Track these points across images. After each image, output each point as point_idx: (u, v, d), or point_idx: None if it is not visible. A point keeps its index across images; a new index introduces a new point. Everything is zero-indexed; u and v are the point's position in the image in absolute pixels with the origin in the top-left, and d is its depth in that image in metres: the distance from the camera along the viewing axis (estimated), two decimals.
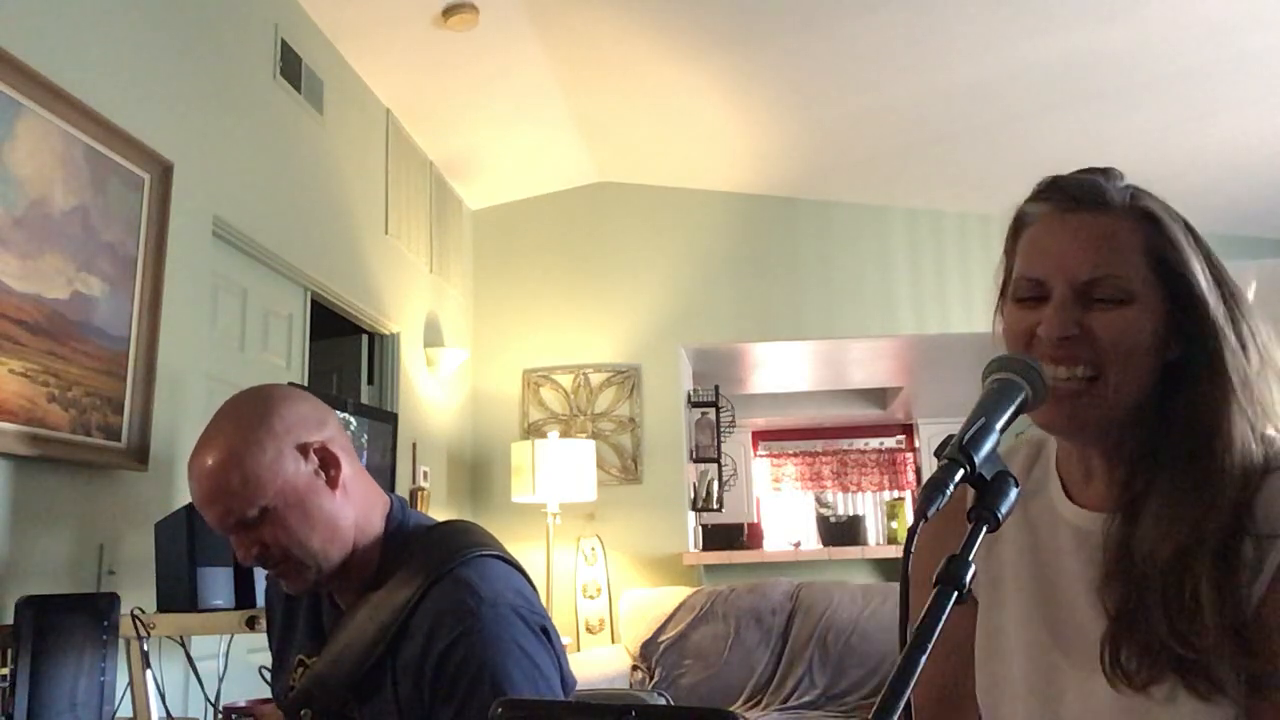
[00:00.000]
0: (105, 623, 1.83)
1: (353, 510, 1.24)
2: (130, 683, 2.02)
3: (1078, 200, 0.87)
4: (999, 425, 0.74)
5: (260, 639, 1.64)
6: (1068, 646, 0.86)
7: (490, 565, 1.24)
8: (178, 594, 2.08)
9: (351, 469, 1.26)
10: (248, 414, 1.21)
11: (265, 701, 1.91)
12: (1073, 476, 0.92)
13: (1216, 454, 0.81)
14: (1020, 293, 0.88)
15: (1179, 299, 0.84)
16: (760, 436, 9.00)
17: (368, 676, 1.19)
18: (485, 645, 1.14)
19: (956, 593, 0.63)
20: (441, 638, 1.15)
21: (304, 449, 1.21)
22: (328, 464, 1.23)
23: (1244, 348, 0.84)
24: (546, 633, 1.22)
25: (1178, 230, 0.86)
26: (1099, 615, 0.83)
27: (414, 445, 4.10)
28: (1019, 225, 0.92)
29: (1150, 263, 0.84)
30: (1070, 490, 0.91)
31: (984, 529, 0.68)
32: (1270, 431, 0.84)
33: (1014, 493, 0.70)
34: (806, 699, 3.86)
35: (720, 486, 5.31)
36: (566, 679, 1.23)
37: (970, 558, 0.64)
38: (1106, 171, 0.89)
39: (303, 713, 1.24)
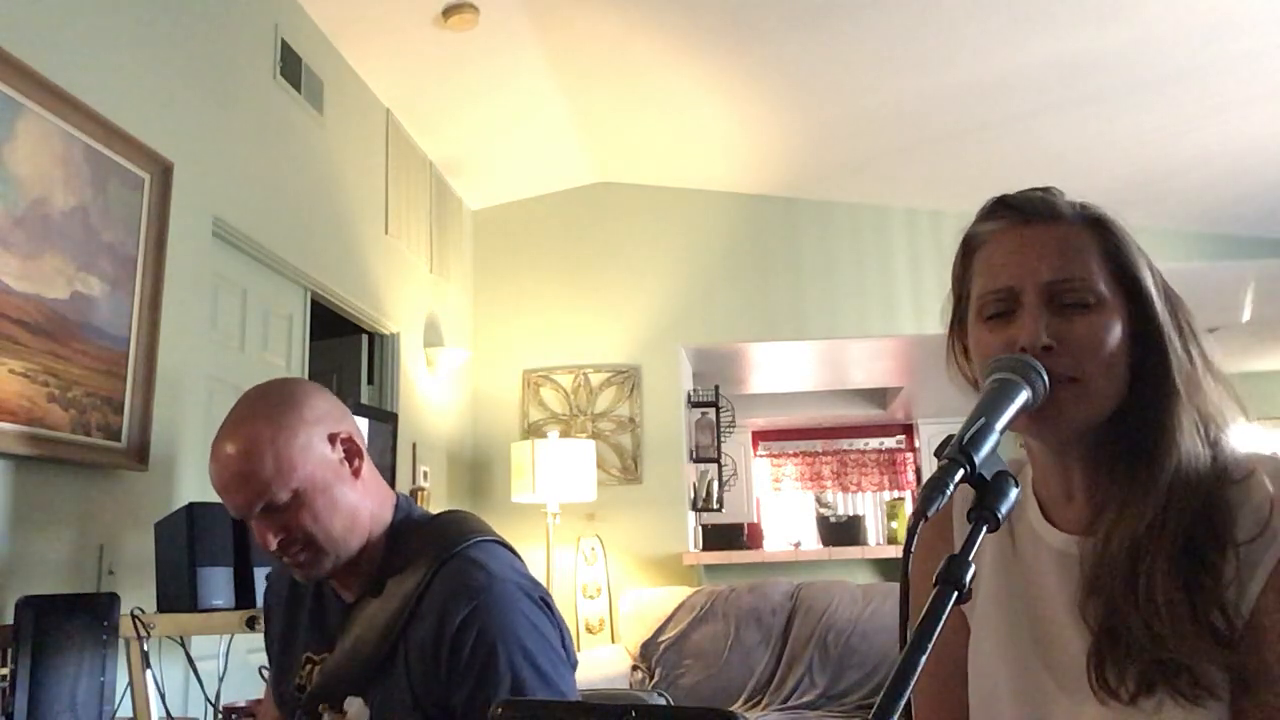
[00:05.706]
0: (105, 623, 1.82)
1: (370, 501, 1.28)
2: (130, 683, 2.02)
3: (1030, 214, 0.89)
4: (999, 425, 0.75)
5: (261, 639, 1.64)
6: (1055, 669, 0.86)
7: (491, 549, 1.29)
8: (178, 594, 2.08)
9: (368, 463, 1.30)
10: (277, 402, 1.23)
11: None
12: (1053, 498, 0.91)
13: (1162, 453, 0.83)
14: (989, 310, 0.88)
15: (1134, 302, 0.86)
16: (760, 436, 8.99)
17: (381, 662, 1.22)
18: (497, 620, 1.17)
19: (956, 592, 0.63)
20: (454, 616, 1.18)
21: (332, 438, 1.24)
22: (351, 455, 1.26)
23: (1188, 350, 0.87)
24: (548, 605, 1.26)
25: (1126, 234, 0.89)
26: (1083, 634, 0.83)
27: (414, 445, 4.10)
28: (969, 248, 0.93)
29: (1108, 266, 0.87)
30: (1050, 513, 0.91)
31: (984, 529, 0.68)
32: (1218, 433, 0.85)
33: (1014, 493, 0.70)
34: (806, 699, 3.85)
35: (720, 486, 5.31)
36: (569, 648, 1.27)
37: (970, 558, 0.64)
38: (1048, 189, 0.91)
39: (321, 708, 1.25)
